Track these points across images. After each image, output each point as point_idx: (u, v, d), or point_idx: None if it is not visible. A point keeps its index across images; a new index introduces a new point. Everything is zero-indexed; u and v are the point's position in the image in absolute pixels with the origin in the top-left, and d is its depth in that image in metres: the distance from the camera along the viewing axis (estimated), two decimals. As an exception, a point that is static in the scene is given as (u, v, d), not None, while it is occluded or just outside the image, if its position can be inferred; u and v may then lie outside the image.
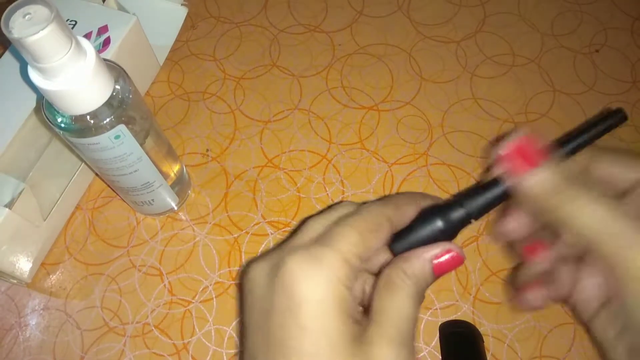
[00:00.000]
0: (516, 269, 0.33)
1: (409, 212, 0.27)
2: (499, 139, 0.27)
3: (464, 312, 0.38)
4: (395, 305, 0.25)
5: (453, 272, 0.39)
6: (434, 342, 0.37)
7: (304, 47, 0.50)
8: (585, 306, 0.28)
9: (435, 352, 0.37)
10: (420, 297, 0.26)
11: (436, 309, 0.38)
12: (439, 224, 0.27)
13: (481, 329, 0.37)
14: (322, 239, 0.26)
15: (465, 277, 0.39)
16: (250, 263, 0.31)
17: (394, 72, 0.48)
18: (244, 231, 0.42)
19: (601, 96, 0.46)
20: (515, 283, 0.30)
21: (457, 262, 0.27)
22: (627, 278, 0.23)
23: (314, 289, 0.24)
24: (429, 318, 0.38)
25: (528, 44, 0.49)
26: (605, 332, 0.26)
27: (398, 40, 0.50)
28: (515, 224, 0.28)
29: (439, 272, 0.26)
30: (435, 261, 0.26)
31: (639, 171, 0.27)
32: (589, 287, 0.28)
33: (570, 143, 0.27)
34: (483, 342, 0.37)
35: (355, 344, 0.24)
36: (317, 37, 0.51)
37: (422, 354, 0.37)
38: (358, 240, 0.25)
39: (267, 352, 0.25)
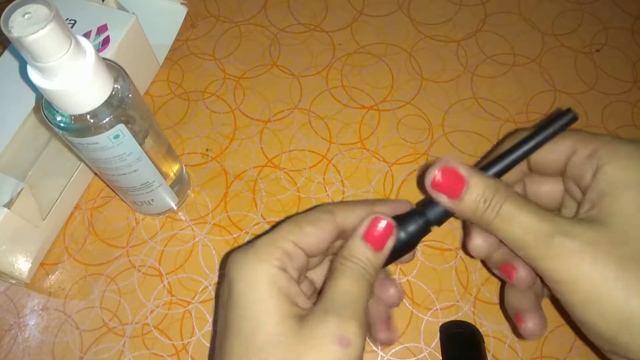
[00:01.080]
0: (503, 290, 0.33)
1: (357, 211, 0.29)
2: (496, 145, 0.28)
3: (464, 313, 0.38)
4: (334, 283, 0.26)
5: (453, 273, 0.39)
6: (434, 343, 0.37)
7: (304, 47, 0.50)
8: None
9: (436, 353, 0.37)
10: (365, 275, 0.27)
11: (437, 309, 0.38)
12: (400, 234, 0.29)
13: (482, 330, 0.37)
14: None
15: (465, 277, 0.39)
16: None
17: (395, 71, 0.48)
18: (243, 231, 0.41)
19: (602, 96, 0.46)
20: (511, 310, 0.32)
21: (387, 229, 0.28)
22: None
23: (245, 271, 0.26)
24: (430, 319, 0.38)
25: (529, 43, 0.49)
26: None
27: (398, 40, 0.50)
28: (480, 240, 0.30)
29: (372, 243, 0.28)
30: (365, 236, 0.28)
31: (565, 145, 0.29)
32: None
33: (521, 147, 0.28)
34: (484, 342, 0.36)
35: (295, 321, 0.25)
36: (317, 37, 0.50)
37: (422, 355, 0.37)
38: (293, 228, 0.28)
39: (222, 342, 0.26)
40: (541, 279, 0.28)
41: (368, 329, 0.30)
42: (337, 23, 0.51)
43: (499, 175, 0.29)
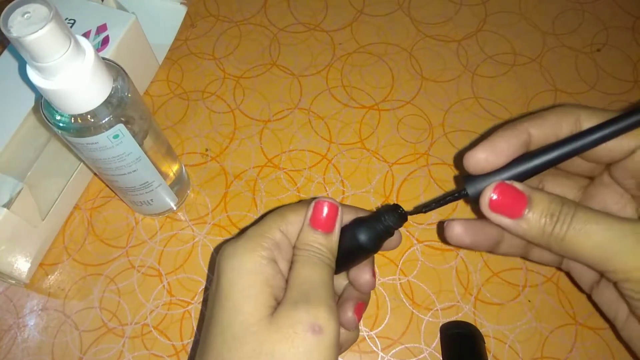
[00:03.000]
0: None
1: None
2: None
3: (465, 313, 0.38)
4: (296, 274, 0.27)
5: (454, 273, 0.39)
6: (434, 343, 0.37)
7: (304, 46, 0.50)
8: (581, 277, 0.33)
9: (436, 354, 0.37)
10: (323, 259, 0.27)
11: (437, 310, 0.38)
12: (361, 236, 0.28)
13: (482, 330, 0.37)
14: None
15: (466, 277, 0.39)
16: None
17: (395, 71, 0.48)
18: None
19: (603, 95, 0.46)
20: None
21: (331, 210, 0.28)
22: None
23: (233, 261, 0.26)
24: (430, 319, 0.38)
25: (529, 43, 0.49)
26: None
27: (398, 39, 0.50)
28: (460, 229, 0.29)
29: (321, 227, 0.28)
30: (312, 222, 0.28)
31: (631, 138, 0.27)
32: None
33: (591, 134, 0.26)
34: (484, 343, 0.36)
35: (271, 312, 0.25)
36: (317, 36, 0.50)
37: (422, 355, 0.37)
38: (277, 218, 0.28)
39: (205, 334, 0.27)
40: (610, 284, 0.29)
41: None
42: (337, 22, 0.51)
43: (550, 164, 0.27)
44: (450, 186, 0.43)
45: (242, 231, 0.41)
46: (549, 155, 0.27)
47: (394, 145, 0.44)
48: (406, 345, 0.37)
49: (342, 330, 0.30)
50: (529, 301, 0.38)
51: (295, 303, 0.25)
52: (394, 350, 0.37)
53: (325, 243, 0.28)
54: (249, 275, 0.26)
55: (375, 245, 0.29)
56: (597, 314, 0.37)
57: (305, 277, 0.26)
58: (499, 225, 0.26)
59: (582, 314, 0.37)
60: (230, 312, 0.25)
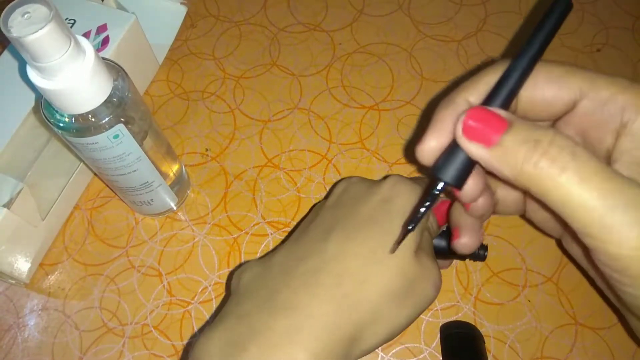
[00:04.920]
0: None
1: None
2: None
3: (464, 313, 0.38)
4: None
5: (454, 273, 0.39)
6: (434, 343, 0.37)
7: (304, 46, 0.50)
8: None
9: (436, 354, 0.37)
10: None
11: (437, 309, 0.38)
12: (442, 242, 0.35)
13: (482, 330, 0.37)
14: None
15: (466, 277, 0.39)
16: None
17: (395, 71, 0.48)
18: (243, 231, 0.41)
19: (602, 96, 0.46)
20: (451, 222, 0.32)
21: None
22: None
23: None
24: (430, 319, 0.38)
25: (529, 43, 0.49)
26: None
27: (399, 39, 0.50)
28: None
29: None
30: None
31: (572, 88, 0.24)
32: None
33: (528, 51, 0.24)
34: (484, 343, 0.36)
35: None
36: (317, 36, 0.50)
37: (422, 355, 0.37)
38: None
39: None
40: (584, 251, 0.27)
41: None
42: (337, 22, 0.51)
43: (505, 106, 0.24)
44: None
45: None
46: (501, 93, 0.24)
47: (394, 145, 0.44)
48: (406, 345, 0.37)
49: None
50: (529, 301, 0.38)
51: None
52: (393, 350, 0.37)
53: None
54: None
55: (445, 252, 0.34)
56: (597, 314, 0.37)
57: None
58: (471, 157, 0.23)
59: (582, 314, 0.38)
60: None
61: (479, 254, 0.35)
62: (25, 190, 0.36)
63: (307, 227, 0.31)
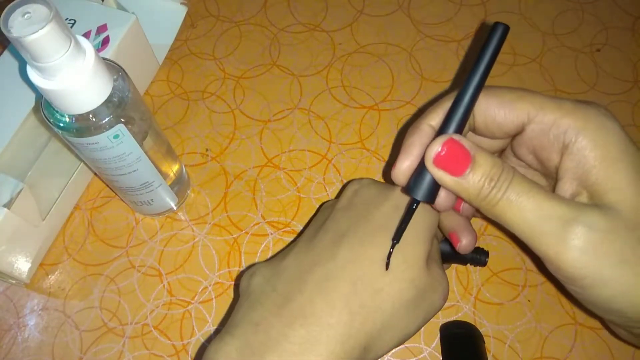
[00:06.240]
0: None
1: None
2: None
3: (464, 313, 0.38)
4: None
5: (454, 273, 0.39)
6: (434, 343, 0.37)
7: (304, 46, 0.50)
8: None
9: (436, 353, 0.37)
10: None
11: (437, 309, 0.38)
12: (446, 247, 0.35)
13: (482, 330, 0.37)
14: None
15: (466, 277, 0.39)
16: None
17: (395, 71, 0.48)
18: (243, 231, 0.41)
19: (602, 95, 0.46)
20: (445, 229, 0.33)
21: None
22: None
23: None
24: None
25: (529, 43, 0.49)
26: None
27: (398, 40, 0.50)
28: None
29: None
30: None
31: (521, 112, 0.27)
32: None
33: (468, 87, 0.27)
34: (484, 343, 0.36)
35: None
36: (317, 36, 0.50)
37: (422, 355, 0.37)
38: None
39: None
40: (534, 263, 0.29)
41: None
42: (337, 23, 0.51)
43: (459, 131, 0.27)
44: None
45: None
46: (453, 118, 0.27)
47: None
48: (406, 345, 0.37)
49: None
50: (529, 301, 0.38)
51: None
52: (393, 350, 0.37)
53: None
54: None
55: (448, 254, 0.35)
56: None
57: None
58: (439, 181, 0.27)
59: (582, 314, 0.38)
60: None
61: (480, 259, 0.35)
62: (25, 190, 0.36)
63: (318, 229, 0.31)
